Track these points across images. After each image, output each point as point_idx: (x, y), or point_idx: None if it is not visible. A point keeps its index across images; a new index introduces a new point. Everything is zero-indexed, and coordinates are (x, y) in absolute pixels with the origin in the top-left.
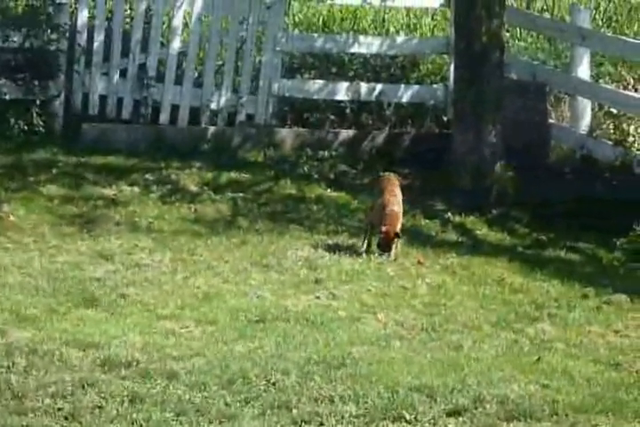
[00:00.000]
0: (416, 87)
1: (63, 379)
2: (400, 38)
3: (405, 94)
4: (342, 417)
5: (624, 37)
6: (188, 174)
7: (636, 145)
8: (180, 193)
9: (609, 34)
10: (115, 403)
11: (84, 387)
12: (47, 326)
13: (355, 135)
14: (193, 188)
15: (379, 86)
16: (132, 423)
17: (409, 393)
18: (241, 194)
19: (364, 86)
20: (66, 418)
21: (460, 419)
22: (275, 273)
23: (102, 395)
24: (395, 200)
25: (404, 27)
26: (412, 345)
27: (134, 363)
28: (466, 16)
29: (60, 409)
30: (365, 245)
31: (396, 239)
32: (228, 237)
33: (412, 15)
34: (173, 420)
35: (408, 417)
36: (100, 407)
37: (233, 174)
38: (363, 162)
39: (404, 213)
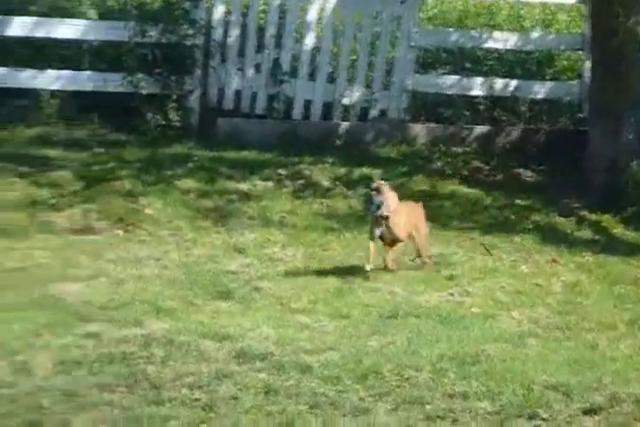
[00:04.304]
0: (551, 83)
1: (200, 370)
2: (535, 34)
3: (540, 90)
4: (476, 414)
5: None
6: (321, 169)
7: None
8: (313, 188)
9: None
10: (250, 395)
11: (219, 378)
12: (184, 318)
13: (489, 131)
14: (325, 183)
15: (513, 82)
16: (267, 415)
17: (544, 391)
18: None
19: (498, 82)
20: (203, 409)
21: (596, 418)
22: (407, 269)
23: (238, 386)
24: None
25: (539, 22)
26: (547, 343)
27: (269, 355)
28: (602, 13)
29: (196, 400)
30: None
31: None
32: (360, 233)
33: (547, 11)
34: (308, 413)
35: (544, 415)
36: (235, 398)
37: (365, 170)
38: (497, 158)
39: (537, 210)
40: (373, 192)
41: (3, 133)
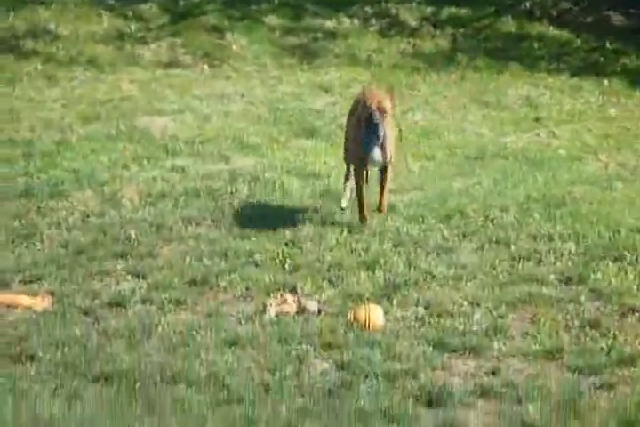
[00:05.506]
0: None
1: (284, 206)
2: None
3: None
4: (561, 255)
5: None
6: (408, 9)
7: None
8: (400, 27)
9: None
10: (334, 233)
11: (304, 215)
12: (269, 155)
13: None
14: (412, 22)
15: None
16: (351, 252)
17: (630, 234)
18: (461, 30)
19: None
20: (286, 244)
21: None
22: (493, 110)
23: (322, 223)
24: None
25: None
26: (635, 187)
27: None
28: None
29: (281, 236)
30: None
31: None
32: (446, 73)
33: None
34: (391, 251)
35: (629, 258)
36: (319, 236)
37: (453, 9)
38: None
39: (627, 53)
40: (376, 113)
41: None
